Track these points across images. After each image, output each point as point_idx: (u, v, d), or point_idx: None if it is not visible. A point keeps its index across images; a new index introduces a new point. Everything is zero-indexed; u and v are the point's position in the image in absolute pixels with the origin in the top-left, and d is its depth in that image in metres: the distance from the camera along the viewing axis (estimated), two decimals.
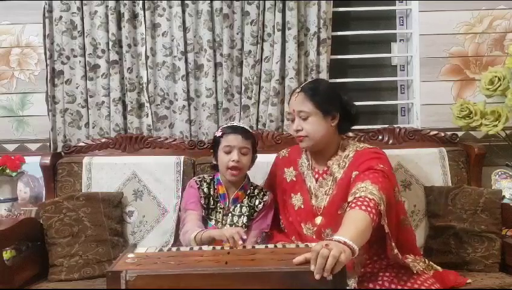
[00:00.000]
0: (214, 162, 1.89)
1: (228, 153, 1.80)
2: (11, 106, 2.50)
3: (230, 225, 1.82)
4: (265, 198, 1.87)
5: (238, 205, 1.86)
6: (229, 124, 1.91)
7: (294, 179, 1.86)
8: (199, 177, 1.91)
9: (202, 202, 1.83)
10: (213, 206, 1.85)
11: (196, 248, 1.50)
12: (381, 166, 1.64)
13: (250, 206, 1.86)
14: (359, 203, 1.48)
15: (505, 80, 2.19)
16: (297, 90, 1.78)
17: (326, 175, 1.79)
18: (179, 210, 2.08)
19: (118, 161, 2.22)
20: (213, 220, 1.84)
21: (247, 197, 1.87)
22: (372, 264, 1.68)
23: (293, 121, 1.78)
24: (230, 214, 1.85)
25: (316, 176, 1.81)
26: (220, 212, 1.85)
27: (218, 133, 1.85)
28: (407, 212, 1.83)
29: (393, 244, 1.53)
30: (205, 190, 1.86)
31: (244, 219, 1.84)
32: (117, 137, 2.33)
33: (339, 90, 1.87)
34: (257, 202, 1.86)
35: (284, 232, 1.87)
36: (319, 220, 1.75)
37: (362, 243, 1.39)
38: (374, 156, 1.70)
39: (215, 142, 1.86)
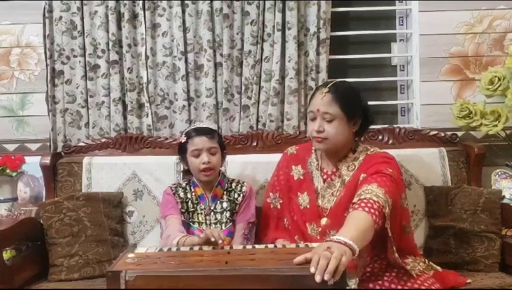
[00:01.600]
0: (185, 167, 1.91)
1: (197, 156, 1.81)
2: (11, 106, 2.50)
3: (215, 223, 1.84)
4: (244, 189, 1.89)
5: (218, 202, 1.87)
6: (191, 127, 1.90)
7: (301, 177, 1.85)
8: (174, 184, 1.93)
9: (180, 207, 1.85)
10: (193, 209, 1.87)
11: (196, 247, 1.50)
12: (390, 170, 1.64)
13: (230, 200, 1.88)
14: (363, 204, 1.48)
15: (505, 80, 2.18)
16: (325, 90, 1.69)
17: (334, 176, 1.78)
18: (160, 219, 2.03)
19: (118, 161, 2.22)
20: (196, 223, 1.85)
21: (225, 192, 1.89)
22: (373, 264, 1.68)
23: (313, 120, 1.72)
24: (212, 213, 1.86)
25: (324, 176, 1.80)
26: (201, 213, 1.87)
27: (183, 139, 1.85)
28: (410, 221, 1.83)
29: (394, 248, 1.53)
30: (181, 195, 1.88)
31: (228, 214, 1.86)
32: (117, 137, 2.33)
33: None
34: (236, 195, 1.89)
35: (283, 233, 1.86)
36: (324, 221, 1.74)
37: (363, 244, 1.38)
38: (383, 160, 1.69)
39: (182, 148, 1.86)
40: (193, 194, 1.88)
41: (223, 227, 1.84)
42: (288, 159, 1.92)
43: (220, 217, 1.86)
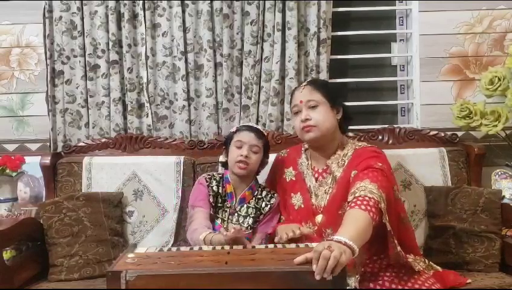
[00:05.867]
0: (224, 159, 1.90)
1: (239, 147, 1.82)
2: (11, 106, 2.51)
3: (235, 225, 1.82)
4: (272, 201, 1.88)
5: (245, 206, 1.86)
6: (245, 123, 1.95)
7: (293, 178, 1.86)
8: (209, 175, 1.91)
9: (211, 200, 1.84)
10: (221, 205, 1.86)
11: (196, 247, 1.50)
12: (380, 164, 1.65)
13: (256, 208, 1.86)
14: (358, 202, 1.48)
15: (505, 80, 2.19)
16: (304, 84, 1.82)
17: (325, 174, 1.79)
18: (186, 206, 2.05)
19: (118, 161, 2.22)
20: (219, 219, 1.84)
21: (254, 198, 1.87)
22: (373, 264, 1.68)
23: (297, 113, 1.79)
24: (236, 214, 1.85)
25: (316, 175, 1.82)
26: (226, 211, 1.86)
27: (233, 129, 1.89)
28: (406, 211, 1.83)
29: (395, 241, 1.53)
30: (214, 188, 1.86)
31: (250, 221, 1.84)
32: (117, 137, 2.33)
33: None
34: (264, 204, 1.87)
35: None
36: (319, 219, 1.75)
37: (362, 242, 1.39)
38: (373, 155, 1.70)
39: (229, 138, 1.89)
40: (224, 189, 1.87)
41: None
42: (279, 162, 1.94)
43: (242, 221, 1.84)
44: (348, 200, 1.55)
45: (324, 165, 1.80)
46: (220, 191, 1.87)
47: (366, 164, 1.65)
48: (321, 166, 1.82)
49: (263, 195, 1.89)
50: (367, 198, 1.49)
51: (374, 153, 1.72)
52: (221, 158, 1.94)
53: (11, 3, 2.45)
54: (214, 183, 1.87)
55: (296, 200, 1.82)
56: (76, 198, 2.06)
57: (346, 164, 1.74)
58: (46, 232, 2.00)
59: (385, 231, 1.52)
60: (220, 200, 1.86)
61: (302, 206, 1.80)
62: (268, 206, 1.87)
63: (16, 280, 1.85)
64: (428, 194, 2.14)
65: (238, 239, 1.57)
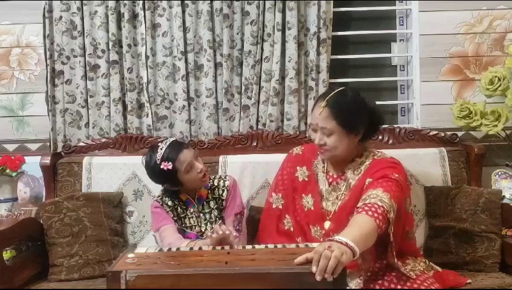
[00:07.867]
0: (174, 189, 1.85)
1: (191, 169, 1.79)
2: (11, 106, 2.50)
3: (205, 224, 1.85)
4: (227, 183, 1.91)
5: (205, 203, 1.88)
6: (164, 151, 1.78)
7: (306, 179, 1.84)
8: (158, 196, 1.92)
9: (171, 215, 1.85)
10: (183, 215, 1.87)
11: (196, 248, 1.50)
12: (396, 175, 1.63)
13: (215, 198, 1.89)
14: (366, 208, 1.48)
15: (505, 80, 2.19)
16: (322, 104, 1.67)
17: (340, 180, 1.78)
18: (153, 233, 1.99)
19: (118, 161, 2.23)
20: (189, 227, 1.85)
21: (209, 191, 1.89)
22: (373, 264, 1.68)
23: (314, 130, 1.74)
24: (201, 214, 1.87)
25: (330, 179, 1.80)
26: (191, 217, 1.87)
27: (169, 166, 1.75)
28: (414, 226, 1.83)
29: (394, 253, 1.54)
30: (169, 203, 1.87)
31: (216, 212, 1.87)
32: (117, 137, 2.33)
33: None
34: (220, 191, 1.90)
35: (286, 234, 1.86)
36: (327, 224, 1.74)
37: (365, 247, 1.39)
38: (390, 165, 1.69)
39: (171, 173, 1.76)
40: (179, 201, 1.88)
41: (213, 225, 1.83)
42: (293, 160, 1.91)
43: (209, 217, 1.87)
44: (357, 205, 1.55)
45: (340, 171, 1.79)
46: (177, 202, 1.88)
47: (382, 173, 1.64)
48: (337, 171, 1.80)
49: (216, 183, 1.91)
50: (376, 205, 1.49)
51: (391, 163, 1.71)
52: (168, 188, 1.86)
53: (11, 3, 2.45)
54: (167, 199, 1.88)
55: (307, 201, 1.81)
56: (76, 198, 2.06)
57: (362, 172, 1.72)
58: (46, 232, 2.00)
59: (388, 238, 1.53)
60: (181, 210, 1.87)
61: (312, 208, 1.79)
62: (225, 190, 1.89)
63: (16, 280, 1.85)
64: (428, 194, 2.14)
65: (225, 240, 1.57)
